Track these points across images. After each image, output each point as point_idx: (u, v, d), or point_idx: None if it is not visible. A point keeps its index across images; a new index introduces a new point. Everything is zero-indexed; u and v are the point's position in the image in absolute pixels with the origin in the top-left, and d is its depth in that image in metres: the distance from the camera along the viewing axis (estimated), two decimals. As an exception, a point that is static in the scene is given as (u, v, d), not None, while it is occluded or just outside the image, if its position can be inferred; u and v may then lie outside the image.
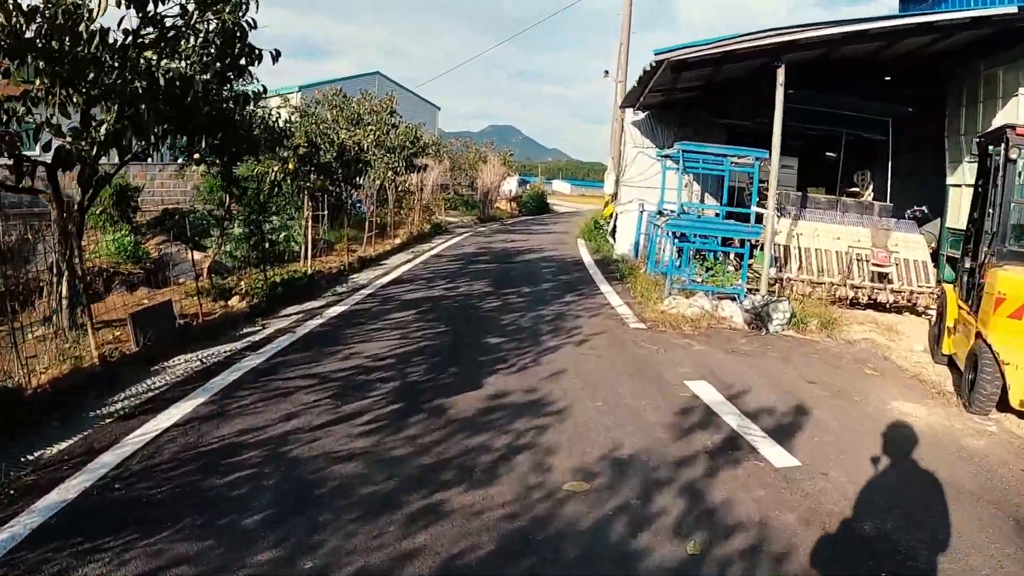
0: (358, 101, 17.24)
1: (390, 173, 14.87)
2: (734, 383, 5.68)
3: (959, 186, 11.58)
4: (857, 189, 12.90)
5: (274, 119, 9.20)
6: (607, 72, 16.55)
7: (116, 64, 4.94)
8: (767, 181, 10.30)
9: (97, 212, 10.59)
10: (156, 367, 5.59)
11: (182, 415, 4.44)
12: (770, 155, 8.86)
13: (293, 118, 14.96)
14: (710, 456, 4.16)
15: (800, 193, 11.38)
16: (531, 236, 18.97)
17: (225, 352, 6.10)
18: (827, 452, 4.36)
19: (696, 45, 7.97)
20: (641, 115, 14.38)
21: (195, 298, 8.24)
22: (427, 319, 7.46)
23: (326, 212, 14.06)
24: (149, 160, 13.76)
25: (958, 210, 11.70)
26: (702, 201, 14.34)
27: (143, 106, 4.95)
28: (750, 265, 9.90)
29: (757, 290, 9.15)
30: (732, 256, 10.14)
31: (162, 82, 4.95)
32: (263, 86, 6.88)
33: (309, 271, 9.83)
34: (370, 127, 15.42)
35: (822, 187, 14.12)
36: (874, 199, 12.47)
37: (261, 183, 8.68)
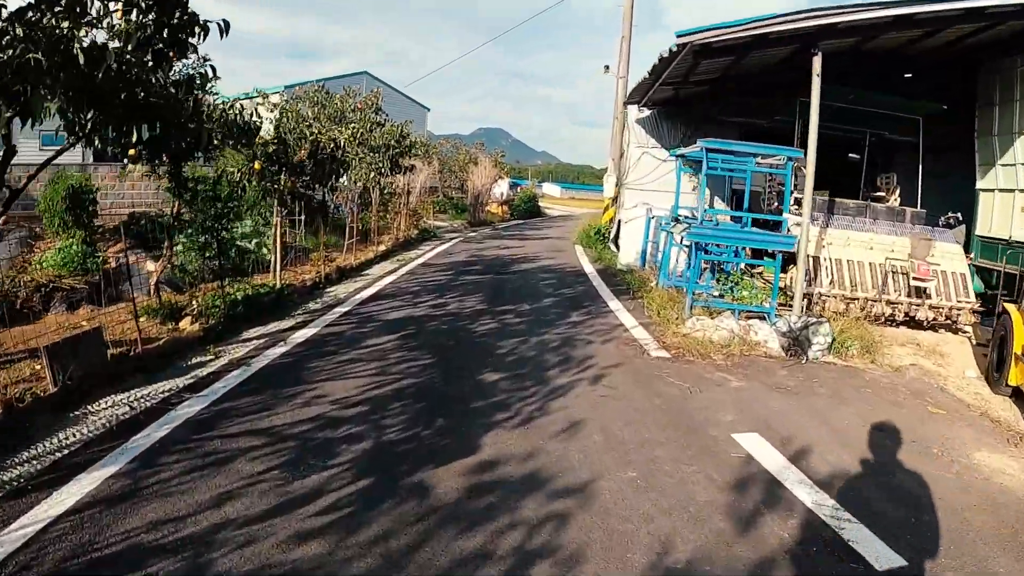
0: (341, 98, 16.05)
1: (373, 174, 13.65)
2: (791, 435, 4.56)
3: (991, 191, 10.60)
4: (882, 193, 11.86)
5: (237, 112, 7.99)
6: (607, 67, 15.46)
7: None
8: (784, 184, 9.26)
9: (49, 217, 9.35)
10: (75, 413, 4.42)
11: (85, 493, 3.30)
12: (805, 155, 7.77)
13: (271, 115, 13.84)
14: (792, 559, 3.03)
15: (827, 198, 10.32)
16: (526, 242, 17.83)
17: (163, 393, 4.92)
18: (934, 541, 3.30)
19: (724, 27, 6.87)
20: (646, 112, 13.29)
21: (142, 319, 7.04)
22: (410, 346, 6.27)
23: (302, 216, 12.86)
24: (124, 159, 12.37)
25: (990, 217, 10.72)
26: (711, 206, 13.28)
27: (33, 83, 3.76)
28: (768, 279, 8.82)
29: (789, 307, 8.06)
30: (757, 269, 9.04)
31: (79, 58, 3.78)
32: (211, 66, 5.66)
33: (278, 285, 8.61)
34: (352, 124, 14.25)
35: (829, 191, 13.12)
36: (900, 204, 11.49)
37: (218, 185, 7.44)
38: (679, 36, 7.00)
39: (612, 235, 14.28)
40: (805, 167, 7.96)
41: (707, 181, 13.29)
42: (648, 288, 9.58)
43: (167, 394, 4.91)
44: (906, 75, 11.28)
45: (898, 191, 11.91)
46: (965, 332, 9.14)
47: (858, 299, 9.04)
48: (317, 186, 10.18)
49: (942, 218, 10.58)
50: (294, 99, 17.53)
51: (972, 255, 10.50)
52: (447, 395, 4.94)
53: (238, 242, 10.47)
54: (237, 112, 8.03)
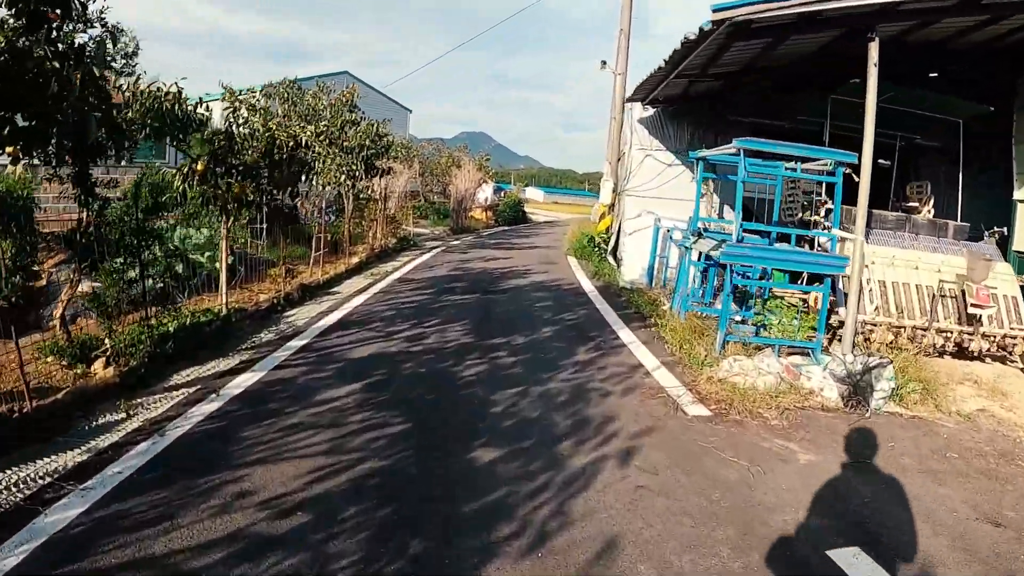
0: (314, 94, 14.58)
1: (345, 178, 12.20)
2: (900, 547, 3.26)
3: (1032, 202, 9.52)
4: (914, 204, 10.67)
5: (173, 101, 6.51)
6: (604, 63, 14.14)
7: None
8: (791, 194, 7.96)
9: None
10: None
11: None
12: (859, 159, 6.49)
13: (237, 115, 12.46)
14: None
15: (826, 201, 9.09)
16: (513, 252, 16.43)
17: (40, 479, 3.56)
18: None
19: (772, 0, 5.55)
20: (649, 112, 11.99)
21: (49, 359, 5.58)
22: (378, 402, 4.84)
23: (264, 226, 11.34)
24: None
25: (1030, 230, 9.65)
26: (720, 216, 12.00)
27: None
28: (789, 304, 7.54)
29: (831, 339, 6.78)
30: (790, 294, 7.74)
31: None
32: (111, 32, 4.21)
33: (224, 310, 7.14)
34: (324, 123, 12.78)
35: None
36: (933, 216, 10.33)
37: (138, 191, 5.94)
38: (716, 11, 5.68)
39: (611, 246, 12.95)
40: (857, 174, 6.67)
41: (717, 187, 12.05)
42: (662, 313, 8.25)
43: (45, 481, 3.51)
44: (931, 74, 10.18)
45: (931, 201, 10.75)
46: (1014, 362, 8.00)
47: (905, 327, 7.83)
48: (281, 192, 8.69)
49: (986, 232, 9.41)
50: (265, 96, 16.01)
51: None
52: (424, 492, 3.52)
53: (190, 254, 8.98)
54: (173, 101, 6.56)
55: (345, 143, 13.07)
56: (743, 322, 8.16)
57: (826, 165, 6.82)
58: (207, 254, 9.02)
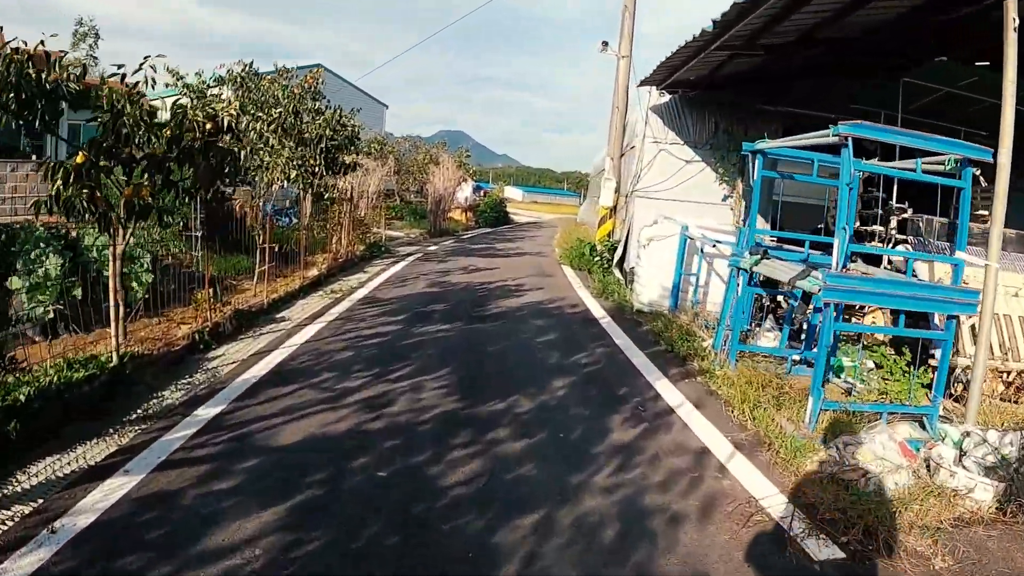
0: (271, 80, 12.49)
1: (295, 174, 10.16)
2: None
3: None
4: (983, 213, 8.98)
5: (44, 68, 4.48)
6: (605, 44, 12.25)
7: None
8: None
9: None
10: None
11: None
12: (994, 157, 4.66)
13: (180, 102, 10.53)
14: None
15: (944, 219, 7.34)
16: (499, 260, 14.47)
17: None
18: None
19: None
20: (665, 98, 10.13)
21: None
22: (308, 554, 2.87)
23: (199, 233, 9.23)
24: None
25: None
26: (747, 223, 10.19)
27: None
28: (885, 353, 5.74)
29: (941, 396, 4.99)
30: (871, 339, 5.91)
31: None
32: None
33: (115, 359, 5.09)
34: (278, 110, 10.74)
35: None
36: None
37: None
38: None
39: (617, 257, 11.05)
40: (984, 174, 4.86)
41: (733, 187, 10.21)
42: (702, 352, 6.38)
43: None
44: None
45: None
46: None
47: (1010, 371, 6.11)
48: (208, 191, 6.61)
49: (1085, 247, 7.74)
50: (212, 80, 13.84)
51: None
52: None
53: (105, 270, 6.86)
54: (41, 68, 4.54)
55: (304, 134, 11.04)
56: (803, 363, 6.35)
57: (942, 164, 4.98)
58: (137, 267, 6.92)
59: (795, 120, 9.86)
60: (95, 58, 42.25)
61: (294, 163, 9.94)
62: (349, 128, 11.63)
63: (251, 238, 11.44)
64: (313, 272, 10.73)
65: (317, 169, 11.36)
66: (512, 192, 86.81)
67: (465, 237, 21.64)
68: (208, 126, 6.13)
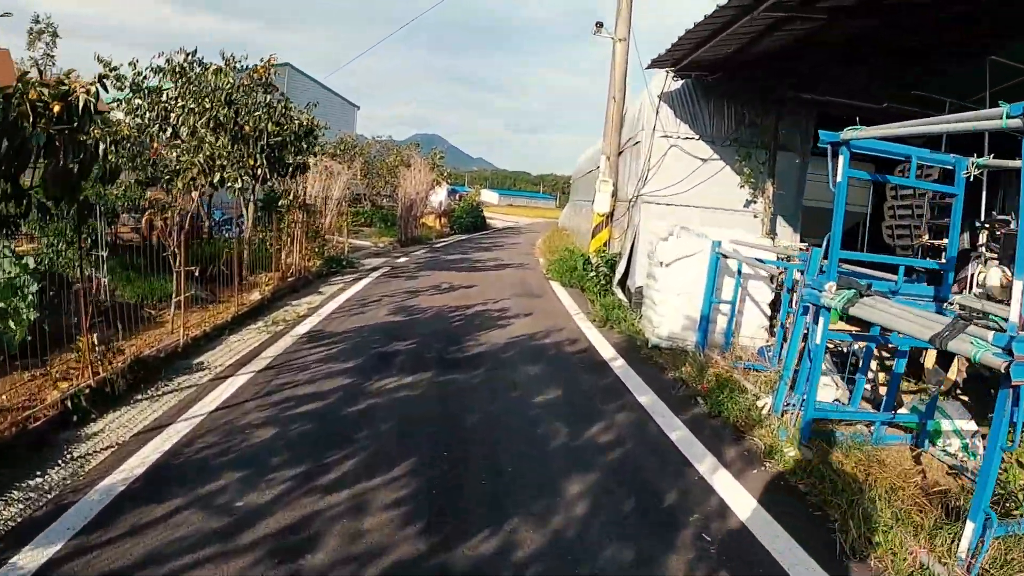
0: (215, 70, 10.52)
1: (218, 176, 8.28)
2: None
3: None
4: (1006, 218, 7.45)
5: None
6: (600, 25, 10.53)
7: None
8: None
9: None
10: None
11: None
12: None
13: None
14: None
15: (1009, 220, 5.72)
16: (477, 275, 12.64)
17: None
18: None
19: None
20: (677, 84, 8.43)
21: None
22: None
23: (103, 252, 7.25)
24: None
25: None
26: (772, 233, 8.56)
27: None
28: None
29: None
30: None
31: None
32: None
33: None
34: (205, 100, 8.86)
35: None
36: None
37: None
38: None
39: (619, 274, 9.29)
40: None
41: (761, 191, 8.60)
42: (761, 419, 4.65)
43: None
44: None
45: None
46: None
47: None
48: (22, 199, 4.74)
49: None
50: (151, 71, 11.79)
51: None
52: None
53: None
54: None
55: (244, 129, 9.15)
56: (890, 426, 4.67)
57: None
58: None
59: (828, 110, 8.26)
60: (51, 56, 39.37)
61: (228, 163, 8.03)
62: (296, 123, 9.71)
63: (219, 245, 9.53)
64: (255, 296, 8.82)
65: (260, 171, 9.46)
66: (488, 196, 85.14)
67: (439, 246, 19.77)
68: (56, 108, 4.23)
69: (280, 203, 11.21)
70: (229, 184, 9.19)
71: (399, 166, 22.33)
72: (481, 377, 5.65)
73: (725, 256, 6.44)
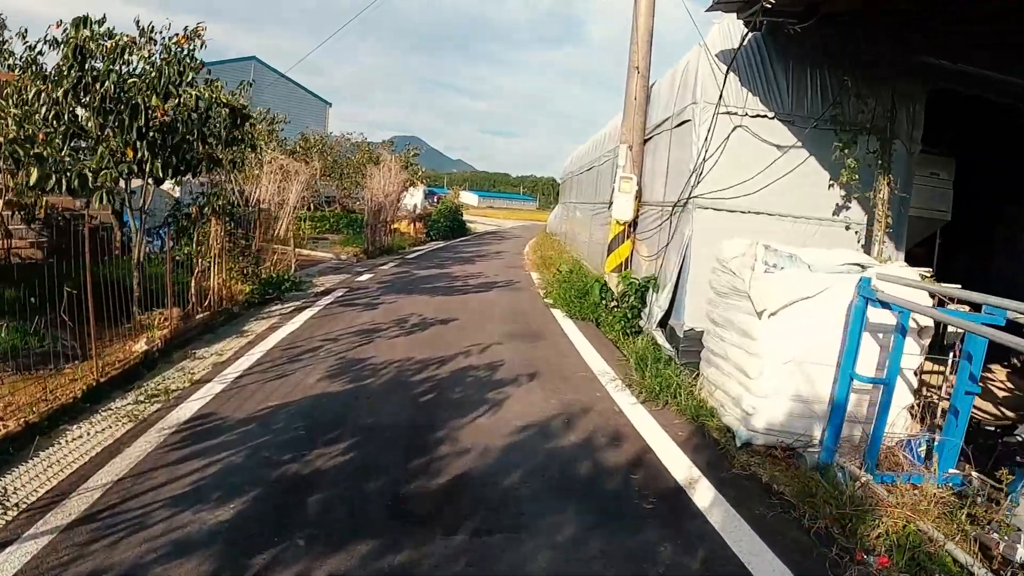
0: (124, 44, 7.63)
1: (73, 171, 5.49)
2: None
3: None
4: None
5: None
6: (618, -29, 7.93)
7: None
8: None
9: None
10: None
11: None
12: None
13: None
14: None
15: None
16: (456, 300, 9.91)
17: None
18: None
19: None
20: (739, 37, 5.82)
21: None
22: None
23: None
24: None
25: None
26: (869, 247, 5.97)
27: None
28: None
29: None
30: None
31: None
32: None
33: None
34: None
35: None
36: None
37: None
38: None
39: (660, 308, 6.55)
40: None
41: (874, 194, 6.05)
42: None
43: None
44: None
45: None
46: None
47: None
48: None
49: None
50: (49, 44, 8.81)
51: None
52: None
53: None
54: None
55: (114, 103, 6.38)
56: None
57: None
58: None
59: (956, 89, 5.71)
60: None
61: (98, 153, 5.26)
62: (203, 101, 6.88)
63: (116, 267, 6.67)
64: (140, 345, 6.04)
65: (149, 166, 6.64)
66: (468, 197, 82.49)
67: (413, 256, 16.95)
68: None
69: (205, 207, 8.41)
70: (100, 183, 6.40)
71: (365, 164, 19.49)
72: (465, 559, 2.91)
73: (879, 303, 3.78)
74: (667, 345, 6.27)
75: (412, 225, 21.74)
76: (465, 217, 32.43)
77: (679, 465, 3.97)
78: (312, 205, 23.00)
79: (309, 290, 10.33)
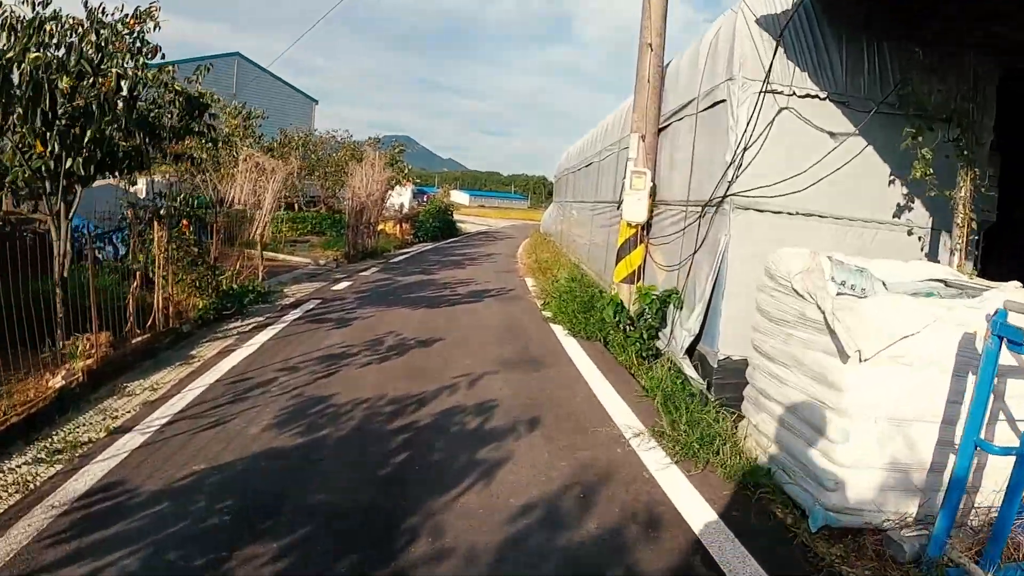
0: (63, 20, 6.41)
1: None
2: None
3: None
4: None
5: None
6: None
7: None
8: None
9: None
10: None
11: None
12: None
13: None
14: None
15: None
16: (443, 314, 8.78)
17: None
18: None
19: None
20: (779, 3, 4.68)
21: None
22: None
23: None
24: None
25: None
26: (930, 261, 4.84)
27: None
28: None
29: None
30: None
31: None
32: None
33: None
34: None
35: None
36: None
37: None
38: None
39: (689, 333, 5.39)
40: None
41: (954, 193, 4.97)
42: None
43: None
44: None
45: None
46: None
47: None
48: None
49: None
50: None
51: None
52: None
53: None
54: None
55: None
56: None
57: None
58: None
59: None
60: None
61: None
62: (126, 81, 5.69)
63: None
64: (57, 380, 4.90)
65: (70, 163, 5.48)
66: (459, 197, 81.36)
67: (397, 260, 15.77)
68: None
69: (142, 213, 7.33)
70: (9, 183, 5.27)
71: (347, 162, 18.28)
72: None
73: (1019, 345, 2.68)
74: (695, 376, 5.16)
75: (398, 226, 20.54)
76: (456, 217, 31.25)
77: (742, 568, 2.85)
78: (297, 205, 21.76)
79: (277, 302, 9.17)
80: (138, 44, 6.14)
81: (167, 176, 17.36)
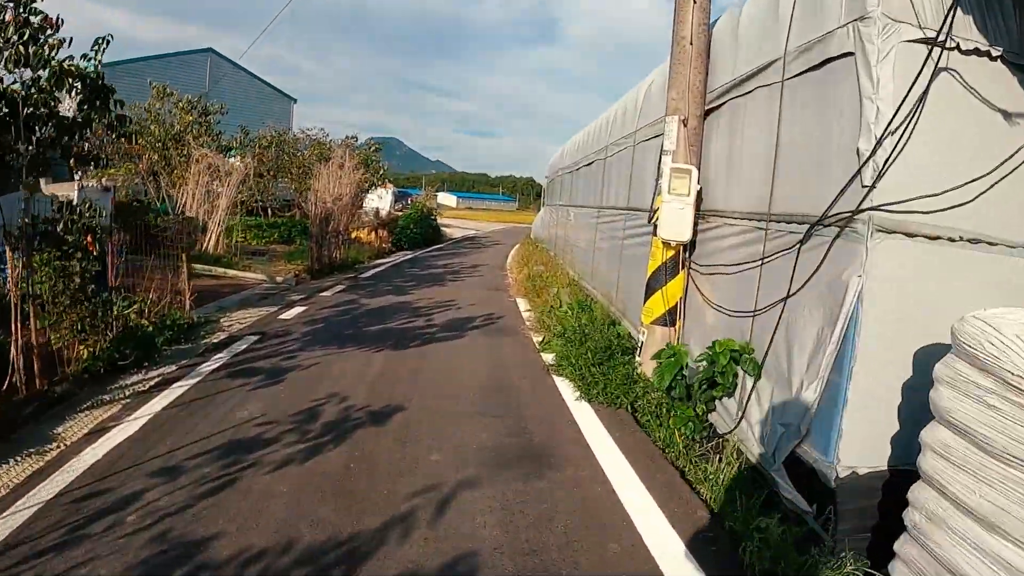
0: None
1: None
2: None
3: None
4: None
5: None
6: None
7: None
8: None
9: None
10: None
11: None
12: None
13: None
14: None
15: None
16: (412, 359, 6.82)
17: None
18: None
19: None
20: None
21: None
22: None
23: None
24: None
25: None
26: None
27: None
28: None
29: None
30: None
31: None
32: None
33: None
34: None
35: None
36: None
37: None
38: None
39: (794, 424, 3.45)
40: None
41: None
42: None
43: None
44: None
45: None
46: None
47: None
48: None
49: None
50: None
51: None
52: None
53: None
54: None
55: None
56: None
57: None
58: None
59: None
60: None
61: None
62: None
63: None
64: None
65: None
66: (446, 198, 79.36)
67: (368, 276, 13.74)
68: None
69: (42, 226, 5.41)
70: None
71: (314, 162, 16.22)
72: None
73: None
74: (793, 494, 3.23)
75: (374, 233, 18.50)
76: (441, 221, 29.23)
77: None
78: (269, 210, 19.67)
79: (204, 339, 7.17)
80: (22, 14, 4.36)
81: (117, 179, 15.25)
